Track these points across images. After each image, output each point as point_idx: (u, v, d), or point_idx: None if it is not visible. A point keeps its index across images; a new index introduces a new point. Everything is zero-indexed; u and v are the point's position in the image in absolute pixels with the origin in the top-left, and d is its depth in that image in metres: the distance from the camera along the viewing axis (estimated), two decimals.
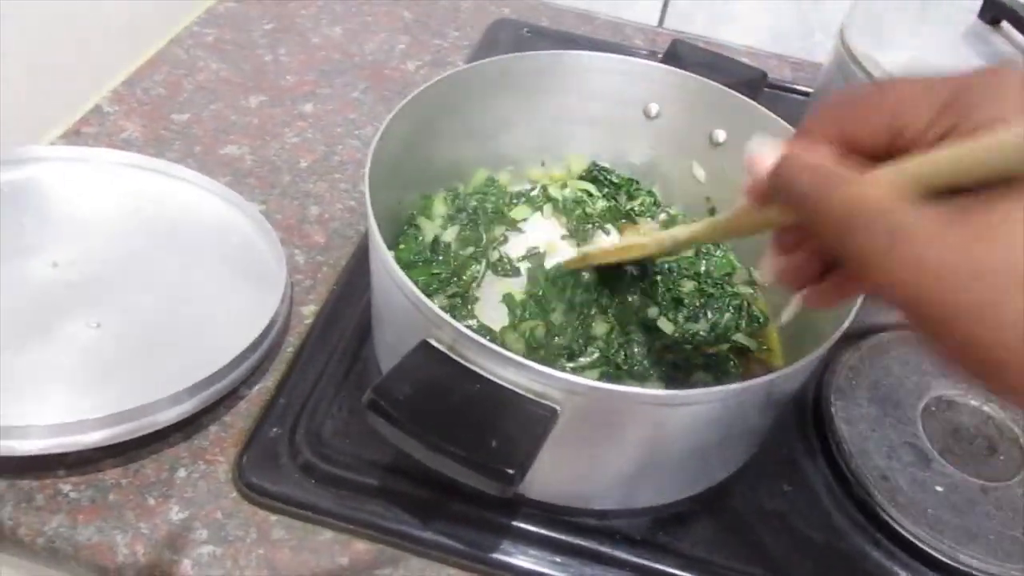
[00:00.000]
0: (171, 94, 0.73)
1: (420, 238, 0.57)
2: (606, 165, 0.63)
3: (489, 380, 0.34)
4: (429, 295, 0.52)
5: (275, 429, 0.48)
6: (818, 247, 0.32)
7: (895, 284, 0.24)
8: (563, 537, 0.45)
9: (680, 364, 0.51)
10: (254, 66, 0.78)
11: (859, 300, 0.42)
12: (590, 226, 0.59)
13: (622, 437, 0.40)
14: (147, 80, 0.74)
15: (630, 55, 0.60)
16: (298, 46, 0.81)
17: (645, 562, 0.45)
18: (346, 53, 0.81)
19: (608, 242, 0.58)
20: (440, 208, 0.59)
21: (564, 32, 0.89)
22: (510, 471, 0.31)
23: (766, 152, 0.29)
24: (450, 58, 0.83)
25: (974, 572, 0.46)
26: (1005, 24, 0.63)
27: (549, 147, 0.63)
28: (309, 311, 0.57)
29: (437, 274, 0.53)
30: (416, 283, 0.52)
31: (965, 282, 0.23)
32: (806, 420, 0.53)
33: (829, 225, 0.26)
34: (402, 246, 0.56)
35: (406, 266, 0.54)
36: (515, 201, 0.60)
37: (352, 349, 0.53)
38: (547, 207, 0.61)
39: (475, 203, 0.58)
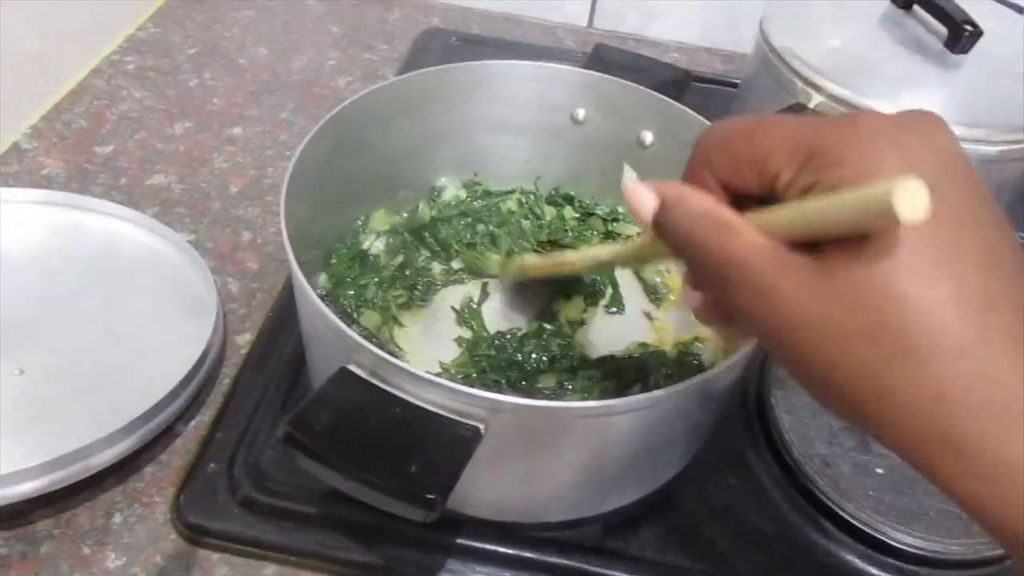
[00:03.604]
0: (93, 126, 0.72)
1: (354, 253, 0.56)
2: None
3: (410, 404, 0.34)
4: (358, 311, 0.52)
5: (212, 465, 0.47)
6: None
7: (768, 336, 0.26)
8: (511, 551, 0.45)
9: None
10: (179, 92, 0.76)
11: None
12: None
13: (556, 451, 0.39)
14: (67, 113, 0.72)
15: (562, 58, 0.60)
16: (224, 69, 0.80)
17: (597, 569, 0.45)
18: (274, 73, 0.80)
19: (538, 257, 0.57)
20: (378, 224, 0.58)
21: (494, 38, 0.89)
22: (430, 496, 0.31)
23: (642, 193, 0.30)
24: (381, 71, 0.83)
25: (917, 551, 0.46)
26: (917, 8, 0.65)
27: (479, 158, 0.63)
28: (244, 340, 0.56)
29: (364, 285, 0.53)
30: (346, 299, 0.52)
31: (819, 340, 0.24)
32: (749, 412, 0.54)
33: (709, 274, 0.27)
34: (333, 260, 0.55)
35: (337, 283, 0.54)
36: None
37: (289, 376, 0.52)
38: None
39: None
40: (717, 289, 0.27)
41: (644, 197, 0.30)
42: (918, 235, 0.23)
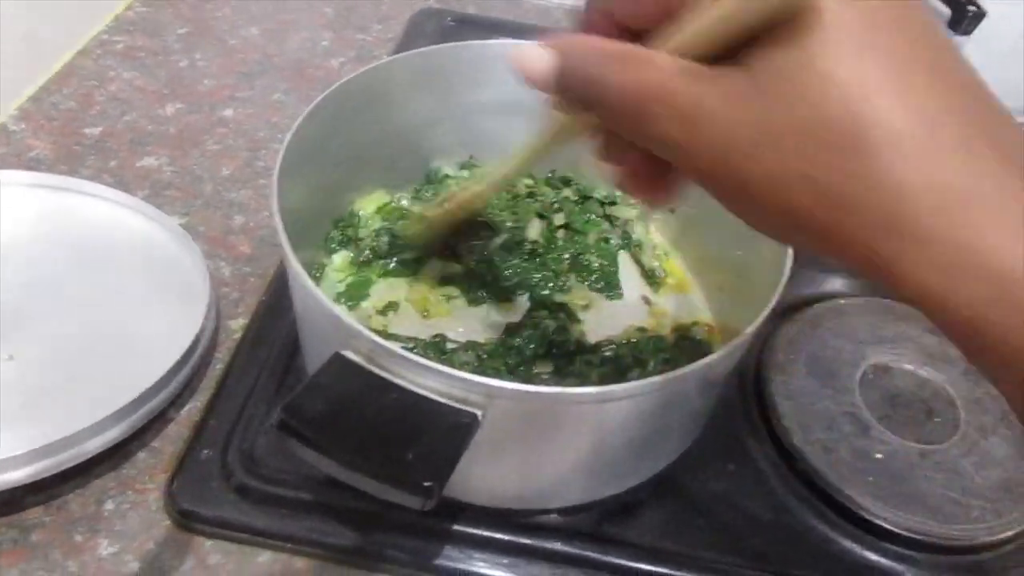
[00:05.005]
0: (82, 107, 0.70)
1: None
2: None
3: (406, 390, 0.33)
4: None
5: (206, 451, 0.47)
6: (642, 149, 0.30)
7: (702, 166, 0.24)
8: (509, 538, 0.44)
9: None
10: (169, 73, 0.75)
11: (784, 276, 0.42)
12: None
13: (554, 437, 0.39)
14: (56, 94, 0.71)
15: None
16: (215, 49, 0.78)
17: (595, 555, 0.45)
18: (266, 54, 0.79)
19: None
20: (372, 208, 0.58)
21: (490, 19, 0.88)
22: (428, 484, 0.30)
23: (532, 52, 0.27)
24: (375, 52, 0.81)
25: (916, 536, 0.46)
26: None
27: (476, 139, 0.62)
28: (238, 325, 0.55)
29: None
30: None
31: (755, 149, 0.23)
32: (748, 398, 0.53)
33: (627, 117, 0.25)
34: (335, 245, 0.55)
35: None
36: None
37: (283, 361, 0.51)
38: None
39: None
40: (636, 135, 0.25)
41: (535, 55, 0.27)
42: (848, 7, 0.21)
